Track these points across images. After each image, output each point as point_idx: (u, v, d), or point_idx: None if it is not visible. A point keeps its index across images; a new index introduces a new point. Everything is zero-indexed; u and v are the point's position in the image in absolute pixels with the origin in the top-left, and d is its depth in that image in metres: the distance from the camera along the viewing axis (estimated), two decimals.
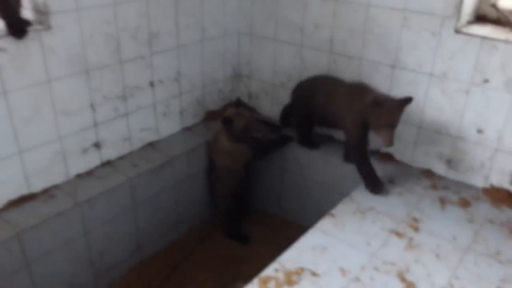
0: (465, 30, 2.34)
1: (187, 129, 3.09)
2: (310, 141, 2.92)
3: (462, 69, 2.38)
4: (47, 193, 2.36)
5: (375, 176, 2.50)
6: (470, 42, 2.31)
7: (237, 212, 3.02)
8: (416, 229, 2.23)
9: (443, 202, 2.44)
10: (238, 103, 2.82)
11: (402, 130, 2.61)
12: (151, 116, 2.82)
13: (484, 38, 2.28)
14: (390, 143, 2.27)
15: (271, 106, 3.27)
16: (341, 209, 2.37)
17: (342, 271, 1.97)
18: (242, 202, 3.05)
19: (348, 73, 2.75)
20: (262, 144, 2.86)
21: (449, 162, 2.61)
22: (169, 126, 2.97)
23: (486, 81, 2.33)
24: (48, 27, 2.13)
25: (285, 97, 3.12)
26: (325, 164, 2.85)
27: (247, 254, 2.94)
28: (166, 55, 2.75)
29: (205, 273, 2.79)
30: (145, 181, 2.63)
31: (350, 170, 2.61)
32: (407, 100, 2.28)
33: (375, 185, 2.48)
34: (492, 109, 2.37)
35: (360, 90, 2.42)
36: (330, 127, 2.85)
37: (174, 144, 2.91)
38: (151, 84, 2.74)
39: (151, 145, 2.86)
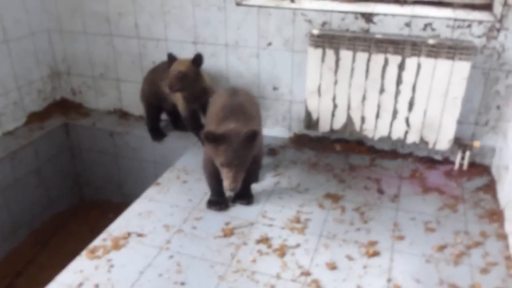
0: (244, 2, 2.68)
1: (8, 134, 3.01)
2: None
3: (249, 36, 2.72)
4: None
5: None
6: (250, 12, 2.66)
7: None
8: None
9: None
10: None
11: None
12: None
13: (260, 7, 2.64)
14: (229, 186, 1.97)
15: (96, 99, 3.33)
16: (166, 177, 2.56)
17: (167, 227, 2.16)
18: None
19: (158, 55, 2.95)
20: None
21: None
22: None
23: (269, 44, 2.70)
24: None
25: (107, 88, 3.21)
26: (153, 143, 3.01)
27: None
28: None
29: (52, 272, 2.77)
30: None
31: (176, 144, 2.82)
32: (252, 135, 1.94)
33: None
34: (279, 67, 2.75)
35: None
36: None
37: None
38: None
39: None
